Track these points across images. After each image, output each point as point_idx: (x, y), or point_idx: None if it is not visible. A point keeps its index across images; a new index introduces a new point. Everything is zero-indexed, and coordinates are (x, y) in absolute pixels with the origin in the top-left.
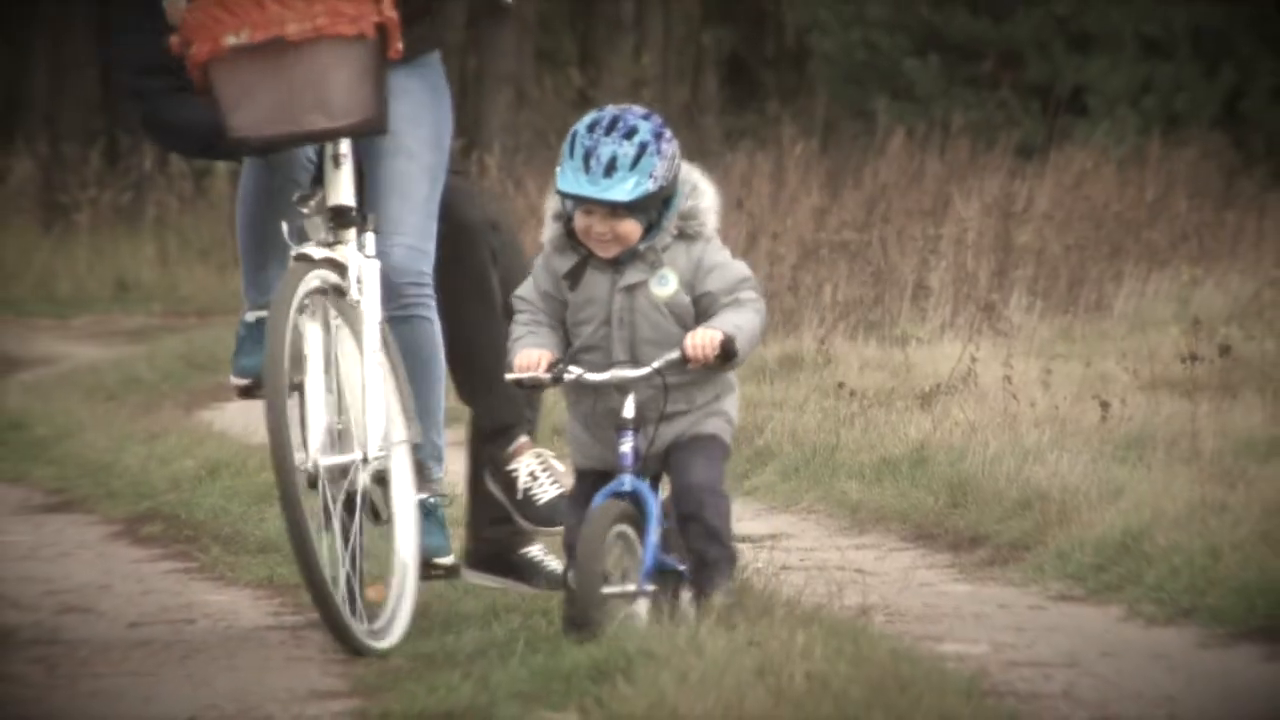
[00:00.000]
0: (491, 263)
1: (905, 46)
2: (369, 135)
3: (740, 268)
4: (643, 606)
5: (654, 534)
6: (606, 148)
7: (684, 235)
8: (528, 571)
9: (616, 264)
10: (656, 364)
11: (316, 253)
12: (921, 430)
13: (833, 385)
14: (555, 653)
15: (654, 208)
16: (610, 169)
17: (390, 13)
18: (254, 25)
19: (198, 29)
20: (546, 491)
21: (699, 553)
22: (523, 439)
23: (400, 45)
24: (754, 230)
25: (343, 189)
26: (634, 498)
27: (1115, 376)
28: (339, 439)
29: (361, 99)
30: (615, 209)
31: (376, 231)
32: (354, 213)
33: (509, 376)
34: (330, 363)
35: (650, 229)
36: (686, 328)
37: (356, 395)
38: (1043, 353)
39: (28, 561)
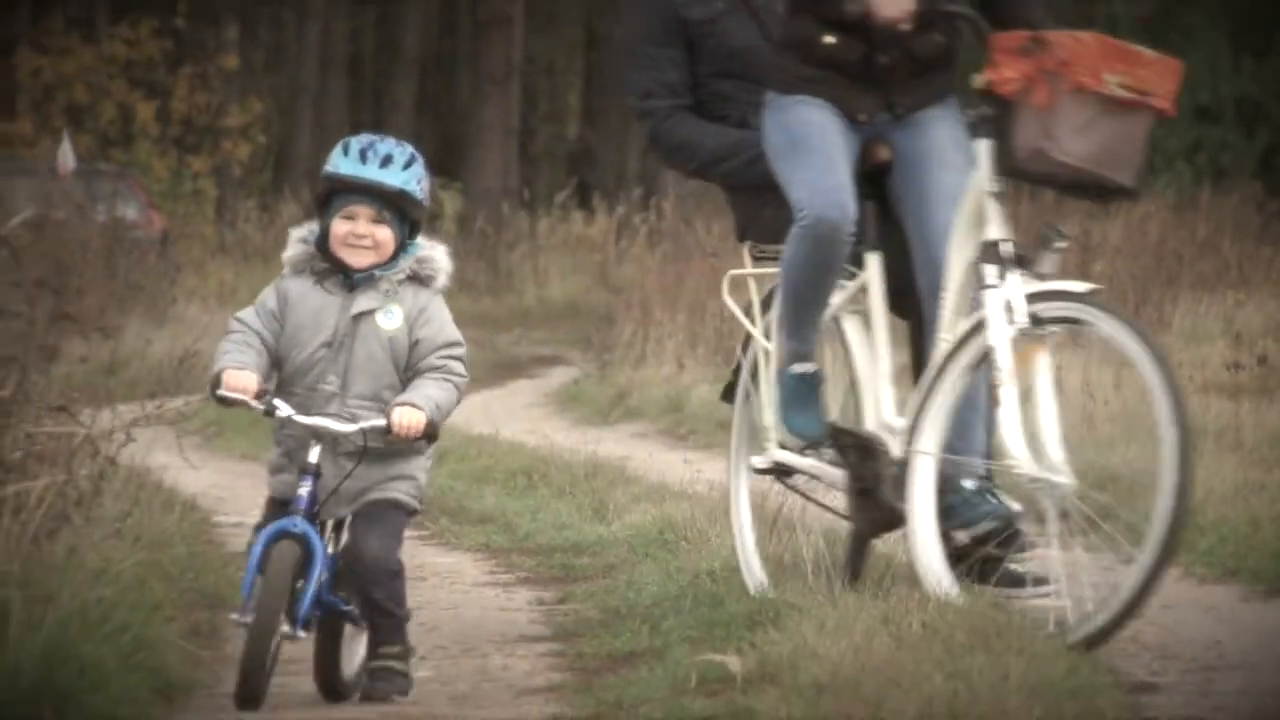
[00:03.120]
0: None
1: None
2: (1131, 200)
3: (455, 333)
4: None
5: (314, 582)
6: (382, 146)
7: (416, 278)
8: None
9: (350, 290)
10: (363, 425)
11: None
12: None
13: None
14: (717, 605)
15: (405, 232)
16: (386, 162)
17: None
18: (1133, 79)
19: (1085, 57)
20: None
21: (370, 620)
22: None
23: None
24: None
25: (999, 226)
26: (303, 540)
27: None
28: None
29: (1141, 166)
30: (379, 215)
31: (927, 239)
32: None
33: (219, 393)
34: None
35: (391, 259)
36: (397, 365)
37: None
38: (1115, 362)
39: None
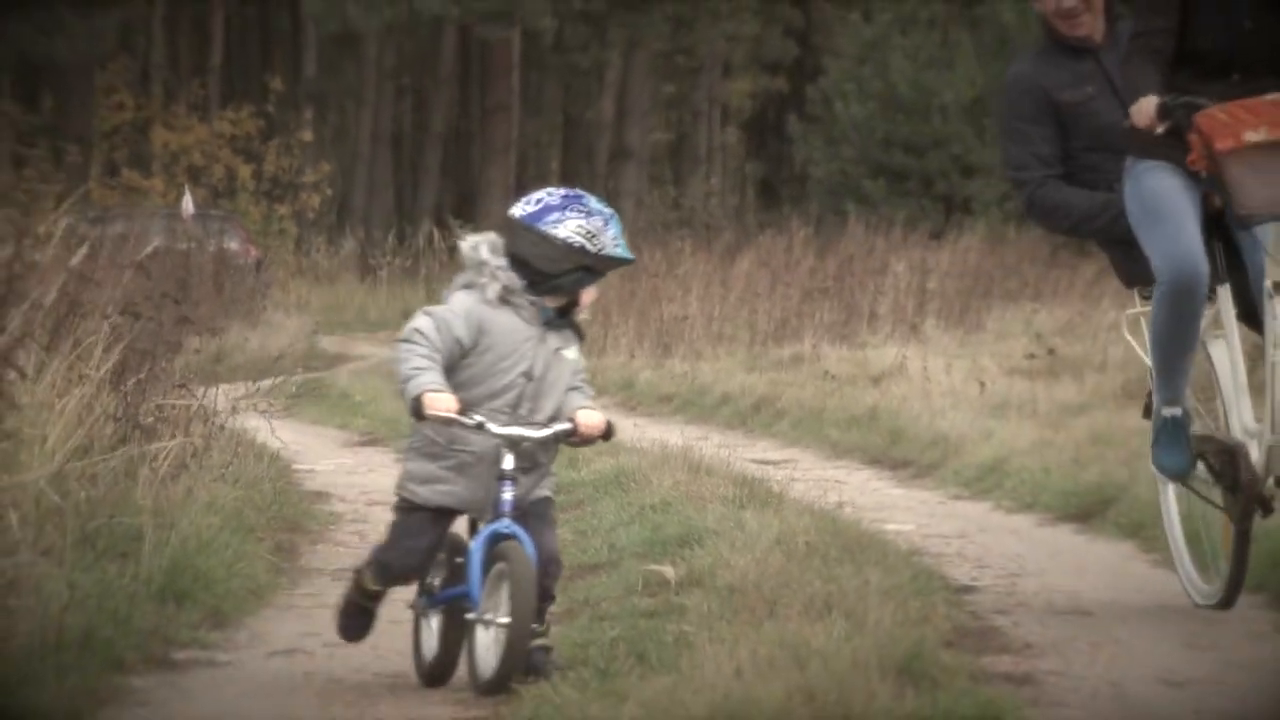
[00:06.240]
0: None
1: (864, 173)
2: None
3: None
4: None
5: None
6: (616, 220)
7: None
8: None
9: (543, 323)
10: (557, 429)
11: None
12: (873, 399)
13: (821, 372)
14: (657, 529)
15: None
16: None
17: None
18: (1272, 124)
19: (1221, 128)
20: None
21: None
22: None
23: None
24: (773, 280)
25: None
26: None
27: (988, 367)
28: None
29: None
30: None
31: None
32: None
33: (435, 415)
34: None
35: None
36: (563, 388)
37: None
38: (945, 353)
39: (350, 475)
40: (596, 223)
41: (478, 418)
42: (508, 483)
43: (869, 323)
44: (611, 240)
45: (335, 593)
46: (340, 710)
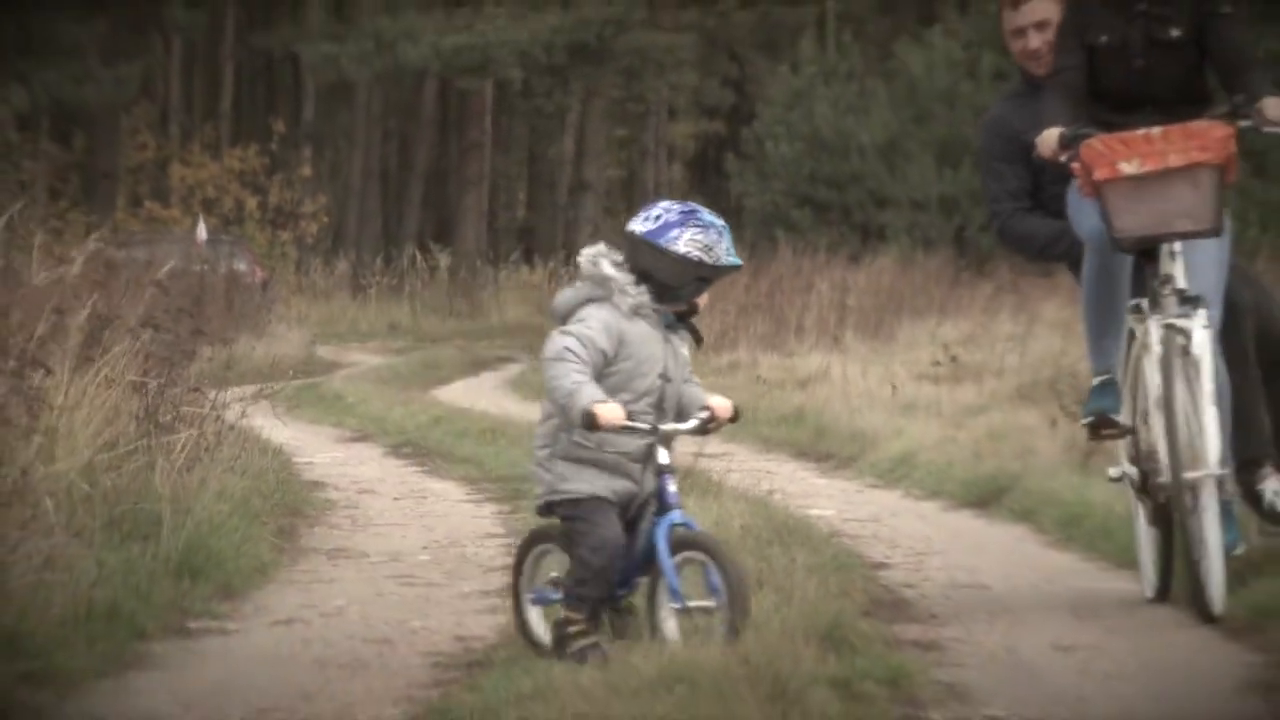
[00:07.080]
0: (1249, 335)
1: (792, 204)
2: (1210, 236)
3: None
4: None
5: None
6: (727, 230)
7: None
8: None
9: (667, 327)
10: (702, 418)
11: (1178, 323)
12: (800, 400)
13: (755, 377)
14: None
15: None
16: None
17: (1234, 149)
18: (1144, 156)
19: (1098, 158)
20: None
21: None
22: (1268, 467)
23: (1234, 175)
24: (714, 298)
25: (1181, 276)
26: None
27: (899, 373)
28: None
29: (1213, 210)
30: None
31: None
32: (1189, 294)
33: (611, 425)
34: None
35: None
36: (682, 382)
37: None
38: (862, 361)
39: (343, 466)
40: (712, 236)
41: (648, 423)
42: (668, 476)
43: (796, 334)
44: (725, 251)
45: (331, 570)
46: (334, 672)
